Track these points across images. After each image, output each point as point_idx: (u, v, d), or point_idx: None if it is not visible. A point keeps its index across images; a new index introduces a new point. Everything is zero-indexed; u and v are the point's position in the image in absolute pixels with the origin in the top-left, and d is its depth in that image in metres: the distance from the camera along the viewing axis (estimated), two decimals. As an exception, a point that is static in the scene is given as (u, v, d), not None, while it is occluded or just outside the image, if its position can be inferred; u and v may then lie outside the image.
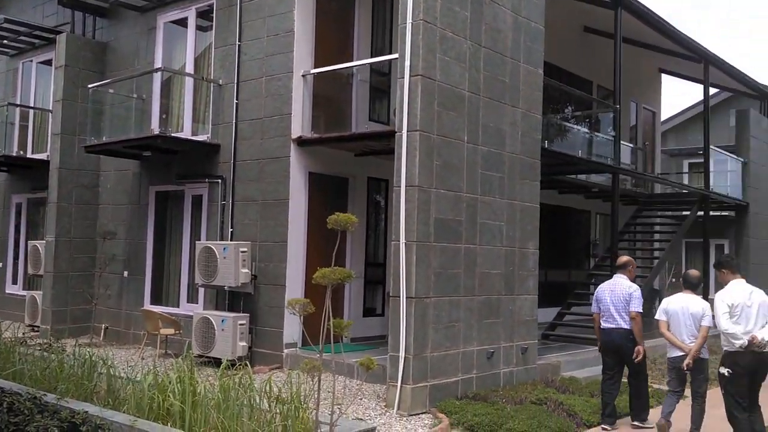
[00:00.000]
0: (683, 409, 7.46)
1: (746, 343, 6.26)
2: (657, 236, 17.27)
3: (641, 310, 7.54)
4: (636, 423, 7.79)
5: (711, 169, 16.38)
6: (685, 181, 21.36)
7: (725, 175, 18.48)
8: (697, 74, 17.19)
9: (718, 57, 15.67)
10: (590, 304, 8.57)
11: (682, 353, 7.13)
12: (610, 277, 12.73)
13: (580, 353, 11.47)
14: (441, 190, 8.25)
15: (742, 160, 17.33)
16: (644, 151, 18.78)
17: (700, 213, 15.64)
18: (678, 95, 61.36)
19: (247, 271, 9.95)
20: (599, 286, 8.13)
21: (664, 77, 20.16)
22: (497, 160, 9.19)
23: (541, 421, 7.30)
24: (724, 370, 6.45)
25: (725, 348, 6.48)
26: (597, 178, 14.90)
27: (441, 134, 8.25)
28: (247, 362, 6.87)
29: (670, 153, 24.13)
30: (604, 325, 7.79)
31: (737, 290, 6.51)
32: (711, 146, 16.48)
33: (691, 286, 7.47)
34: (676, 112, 27.28)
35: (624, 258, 8.24)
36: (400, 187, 7.97)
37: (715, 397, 7.32)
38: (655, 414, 7.71)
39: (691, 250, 20.52)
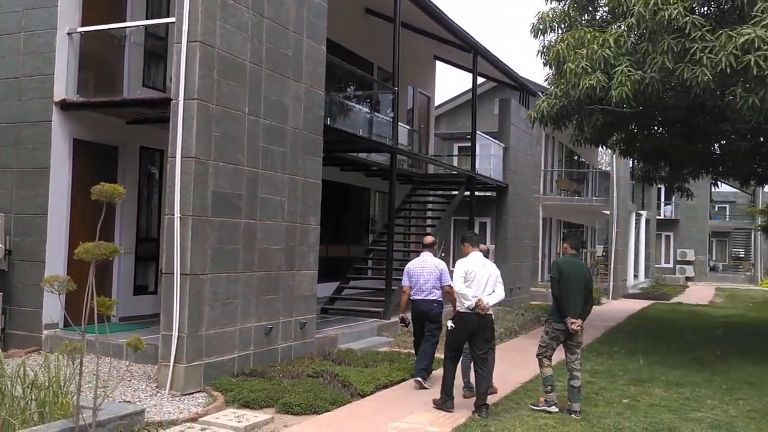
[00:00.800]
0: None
1: (473, 304, 7.24)
2: (429, 213, 18.36)
3: (452, 283, 8.03)
4: (419, 379, 8.47)
5: (477, 152, 17.71)
6: (455, 163, 22.86)
7: (489, 159, 20.10)
8: (468, 63, 18.44)
9: (486, 48, 16.92)
10: (369, 278, 9.07)
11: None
12: (386, 251, 13.33)
13: (357, 326, 11.87)
14: (220, 163, 7.98)
15: (503, 145, 18.94)
16: (419, 134, 19.80)
17: (467, 193, 16.86)
18: (451, 82, 65.65)
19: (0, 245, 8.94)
20: (410, 263, 8.87)
21: (438, 64, 21.34)
22: (280, 134, 9.10)
23: (317, 393, 7.43)
24: (450, 324, 7.53)
25: (457, 307, 7.52)
26: (377, 157, 15.42)
27: (220, 104, 7.97)
28: (-2, 346, 6.15)
29: (442, 136, 25.69)
30: (414, 296, 8.62)
31: (473, 260, 7.54)
32: (478, 132, 17.78)
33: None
34: (448, 98, 29.20)
35: (430, 238, 9.04)
36: (175, 157, 7.58)
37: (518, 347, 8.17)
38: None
39: (459, 226, 22.08)
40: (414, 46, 17.47)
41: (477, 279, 7.36)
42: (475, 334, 7.38)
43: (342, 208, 16.64)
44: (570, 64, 10.41)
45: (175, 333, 7.48)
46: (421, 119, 20.35)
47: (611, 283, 24.20)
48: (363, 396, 7.95)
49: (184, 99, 7.58)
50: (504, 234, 18.58)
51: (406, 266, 8.84)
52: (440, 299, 8.63)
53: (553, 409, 7.41)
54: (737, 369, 10.39)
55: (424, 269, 8.60)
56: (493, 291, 7.44)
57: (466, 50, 16.82)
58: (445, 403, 7.45)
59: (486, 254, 8.28)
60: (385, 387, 8.44)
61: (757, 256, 40.15)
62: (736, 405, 8.09)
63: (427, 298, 8.54)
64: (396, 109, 13.76)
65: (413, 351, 9.44)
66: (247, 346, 8.57)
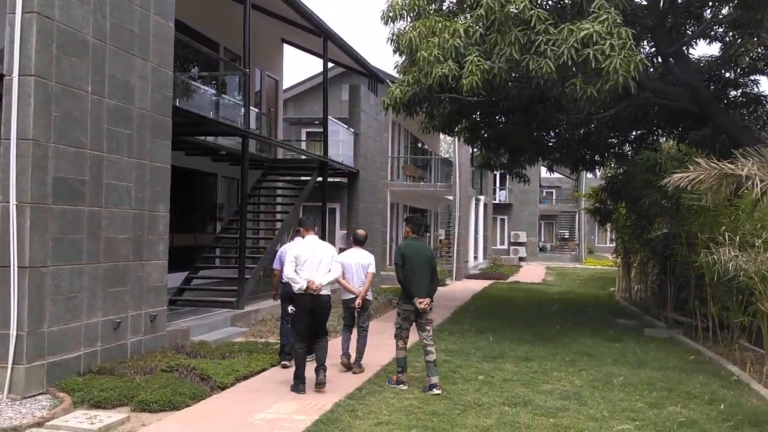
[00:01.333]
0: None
1: (305, 286, 7.54)
2: (280, 200, 18.11)
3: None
4: (286, 363, 8.75)
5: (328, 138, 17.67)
6: (303, 149, 22.70)
7: (338, 145, 20.15)
8: (316, 48, 18.31)
9: (337, 34, 16.87)
10: (219, 267, 8.79)
11: (353, 296, 8.70)
12: (239, 239, 12.94)
13: (209, 317, 11.47)
14: (60, 146, 7.32)
15: (355, 131, 19.05)
16: (269, 117, 19.42)
17: (320, 179, 16.80)
18: (296, 66, 65.06)
19: None
20: (283, 247, 9.16)
21: (285, 47, 21.00)
22: (126, 115, 8.50)
23: (175, 389, 7.09)
24: (290, 309, 7.86)
25: (294, 290, 7.74)
26: (224, 141, 14.92)
27: (61, 82, 7.29)
28: None
29: (290, 121, 25.40)
30: (285, 279, 8.40)
31: (306, 244, 7.87)
32: (329, 117, 17.74)
33: (360, 242, 9.06)
34: (293, 83, 28.87)
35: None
36: (9, 140, 6.85)
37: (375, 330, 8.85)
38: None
39: (309, 212, 21.97)
40: (261, 27, 17.04)
41: (309, 261, 7.64)
42: (313, 314, 7.70)
43: (187, 194, 15.93)
44: (423, 52, 10.61)
45: (13, 331, 6.79)
46: (270, 103, 19.97)
47: (454, 265, 25.23)
48: (224, 389, 7.69)
49: (20, 75, 6.86)
50: (355, 219, 18.73)
51: (279, 251, 9.13)
52: (369, 290, 9.00)
53: (403, 387, 7.76)
54: (576, 342, 11.19)
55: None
56: (329, 271, 7.73)
57: (317, 34, 16.67)
58: (297, 386, 7.63)
59: (365, 239, 9.04)
60: (246, 378, 8.22)
61: (581, 237, 43.60)
62: (580, 375, 8.71)
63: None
64: (247, 91, 13.38)
65: (270, 340, 9.87)
66: (94, 342, 7.98)
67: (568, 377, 8.60)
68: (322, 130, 18.01)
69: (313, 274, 7.59)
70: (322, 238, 15.80)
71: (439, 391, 7.52)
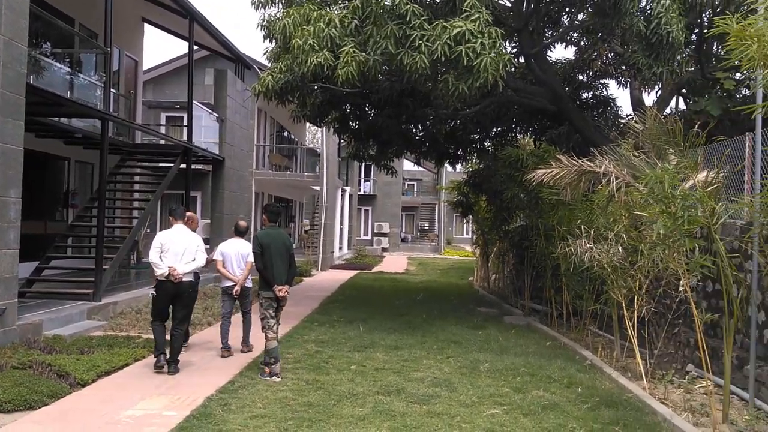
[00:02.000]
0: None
1: (167, 272, 7.87)
2: (138, 187, 17.27)
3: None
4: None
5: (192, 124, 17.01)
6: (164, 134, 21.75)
7: (202, 131, 19.50)
8: (180, 29, 17.58)
9: (204, 16, 16.27)
10: (74, 257, 8.26)
11: (233, 283, 9.11)
12: (97, 227, 12.24)
13: (64, 310, 10.72)
14: None
15: (221, 117, 18.49)
16: (129, 100, 18.41)
17: (183, 165, 16.15)
18: (156, 48, 62.18)
19: None
20: (222, 246, 9.40)
21: (147, 27, 19.98)
22: (-29, 91, 7.74)
23: (31, 387, 6.61)
24: (151, 292, 8.22)
25: (156, 275, 8.00)
26: (79, 124, 13.99)
27: None
28: None
29: (149, 104, 24.26)
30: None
31: (172, 233, 8.14)
32: (194, 102, 17.10)
33: (240, 233, 9.44)
34: (154, 64, 27.58)
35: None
36: None
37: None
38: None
39: (169, 200, 21.12)
40: (119, 3, 16.10)
41: (173, 250, 7.97)
42: (174, 300, 8.08)
43: (37, 179, 14.78)
44: (298, 40, 10.46)
45: None
46: (128, 85, 18.91)
47: (320, 255, 25.21)
48: (84, 385, 7.24)
49: None
50: (220, 208, 18.23)
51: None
52: (249, 278, 9.32)
53: (276, 379, 7.68)
54: (443, 330, 11.54)
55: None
56: (193, 260, 8.10)
57: (182, 15, 15.99)
58: (157, 357, 7.98)
59: (246, 230, 9.44)
60: (108, 374, 7.79)
61: (440, 228, 45.01)
62: (449, 363, 8.99)
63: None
64: (109, 71, 12.64)
65: (131, 334, 9.96)
66: (-67, 340, 7.23)
67: (438, 365, 8.85)
68: (185, 115, 17.34)
69: (176, 263, 7.93)
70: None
71: (279, 379, 7.70)
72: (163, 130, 23.02)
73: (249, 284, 9.41)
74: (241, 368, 8.28)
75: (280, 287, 7.86)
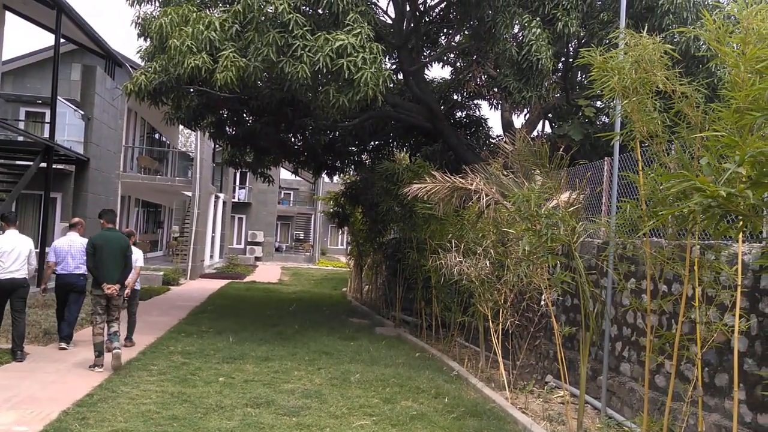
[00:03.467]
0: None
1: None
2: (-9, 185, 16.02)
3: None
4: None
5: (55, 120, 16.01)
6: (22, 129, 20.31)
7: (65, 129, 18.38)
8: (45, 20, 16.57)
9: (73, 8, 15.41)
10: None
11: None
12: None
13: None
14: None
15: (86, 114, 17.53)
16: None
17: (44, 164, 15.16)
18: (15, 37, 58.12)
19: None
20: (57, 241, 10.12)
21: (7, 15, 18.64)
22: None
23: None
24: None
25: None
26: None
27: None
28: None
29: (6, 97, 22.61)
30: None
31: (6, 237, 8.84)
32: (59, 98, 16.12)
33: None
34: (13, 55, 25.75)
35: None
36: None
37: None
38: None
39: (27, 201, 19.72)
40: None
41: (8, 253, 8.67)
42: (11, 295, 8.77)
43: None
44: (175, 40, 10.14)
45: None
46: (-17, 75, 17.57)
47: (189, 264, 24.41)
48: None
49: None
50: (83, 212, 17.21)
51: (53, 245, 9.99)
52: (85, 273, 9.60)
53: (98, 369, 8.37)
54: (314, 341, 11.48)
55: (71, 247, 9.68)
56: (25, 264, 8.82)
57: (49, 6, 15.07)
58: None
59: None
60: (-53, 388, 7.15)
61: (315, 238, 44.92)
62: (320, 374, 8.96)
63: (73, 272, 9.66)
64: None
65: None
66: None
67: (309, 376, 8.81)
68: (47, 110, 16.28)
69: (12, 265, 8.67)
70: (44, 230, 14.46)
71: (120, 350, 8.47)
72: (22, 125, 21.48)
73: (138, 287, 10.66)
74: (101, 381, 7.85)
75: (109, 286, 8.55)
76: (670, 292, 6.67)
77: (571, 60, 13.09)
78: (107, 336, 8.59)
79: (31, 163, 14.62)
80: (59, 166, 18.04)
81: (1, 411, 6.44)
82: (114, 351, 8.40)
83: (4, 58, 20.44)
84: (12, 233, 8.93)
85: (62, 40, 20.04)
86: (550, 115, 15.04)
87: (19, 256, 8.76)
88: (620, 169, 7.33)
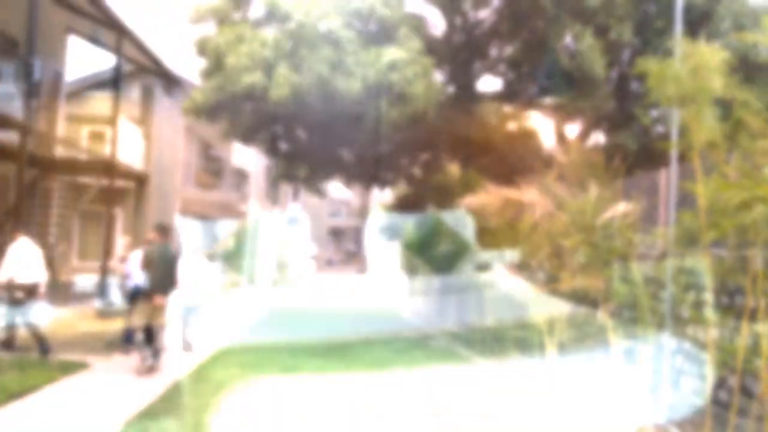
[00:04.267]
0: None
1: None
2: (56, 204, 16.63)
3: None
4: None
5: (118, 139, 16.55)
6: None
7: (125, 146, 18.89)
8: (109, 41, 17.15)
9: (133, 30, 15.94)
10: None
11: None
12: None
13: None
14: None
15: (146, 133, 18.06)
16: (51, 112, 17.75)
17: (105, 182, 15.66)
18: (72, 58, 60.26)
19: None
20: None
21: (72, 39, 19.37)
22: None
23: None
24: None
25: None
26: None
27: None
28: None
29: (69, 117, 23.42)
30: None
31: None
32: (120, 116, 16.67)
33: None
34: (76, 77, 26.65)
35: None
36: None
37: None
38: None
39: (87, 218, 20.35)
40: (46, 12, 15.61)
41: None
42: None
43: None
44: (230, 58, 10.41)
45: None
46: (51, 95, 18.25)
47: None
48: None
49: None
50: (143, 226, 17.74)
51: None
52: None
53: None
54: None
55: None
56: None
57: (110, 28, 15.64)
58: None
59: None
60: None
61: (365, 251, 45.08)
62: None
63: None
64: (31, 81, 12.18)
65: None
66: None
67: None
68: (109, 129, 16.84)
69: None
70: (107, 244, 14.84)
71: None
72: (84, 144, 22.24)
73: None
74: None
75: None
76: (732, 305, 6.49)
77: (625, 69, 12.91)
78: None
79: (94, 180, 15.15)
80: (120, 183, 18.62)
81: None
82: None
83: (67, 79, 21.28)
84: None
85: (123, 61, 20.80)
86: (604, 124, 14.82)
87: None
88: (678, 178, 7.18)
